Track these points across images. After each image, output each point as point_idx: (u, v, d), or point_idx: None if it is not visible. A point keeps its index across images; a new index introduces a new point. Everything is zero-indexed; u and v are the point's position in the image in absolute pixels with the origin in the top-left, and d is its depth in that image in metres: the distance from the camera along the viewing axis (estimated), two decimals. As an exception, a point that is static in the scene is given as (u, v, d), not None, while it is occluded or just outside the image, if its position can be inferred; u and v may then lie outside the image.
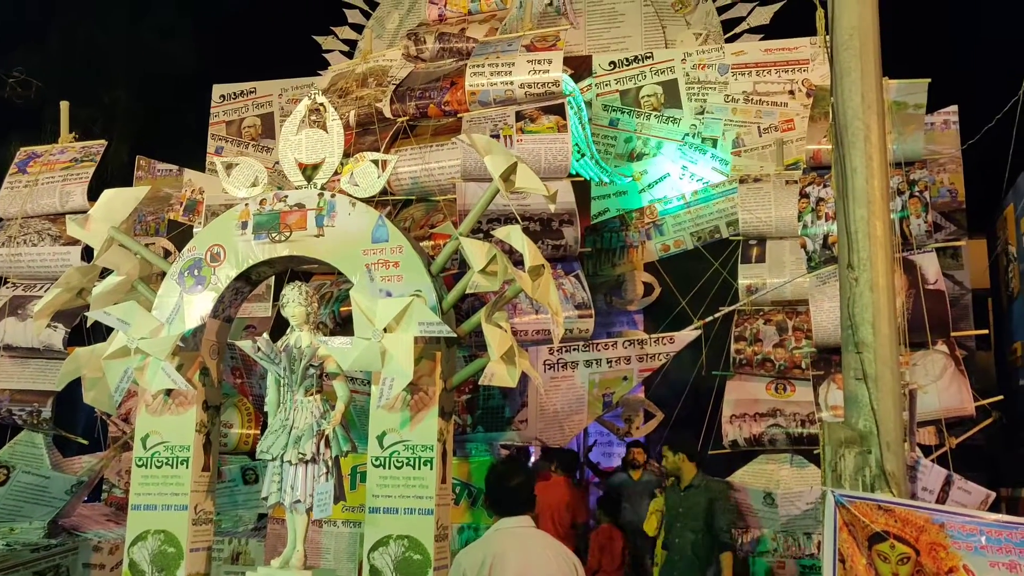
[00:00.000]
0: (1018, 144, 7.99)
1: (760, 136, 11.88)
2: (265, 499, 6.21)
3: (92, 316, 6.78)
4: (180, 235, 11.78)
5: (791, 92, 11.90)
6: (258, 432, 9.61)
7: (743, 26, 12.83)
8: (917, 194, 8.77)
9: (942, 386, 8.25)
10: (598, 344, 8.34)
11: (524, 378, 6.65)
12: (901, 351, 5.84)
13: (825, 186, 9.02)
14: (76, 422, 10.75)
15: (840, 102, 5.72)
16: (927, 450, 8.07)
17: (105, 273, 7.17)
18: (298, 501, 6.07)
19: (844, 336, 5.57)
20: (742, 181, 10.22)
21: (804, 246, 9.20)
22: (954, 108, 11.19)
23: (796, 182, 9.58)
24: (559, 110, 9.14)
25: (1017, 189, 9.96)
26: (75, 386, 7.06)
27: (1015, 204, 10.15)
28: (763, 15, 12.72)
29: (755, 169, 11.21)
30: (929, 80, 9.21)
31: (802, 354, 9.25)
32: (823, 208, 8.99)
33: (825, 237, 8.96)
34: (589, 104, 11.91)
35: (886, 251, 5.56)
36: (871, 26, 5.80)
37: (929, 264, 8.73)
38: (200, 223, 11.16)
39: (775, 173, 10.23)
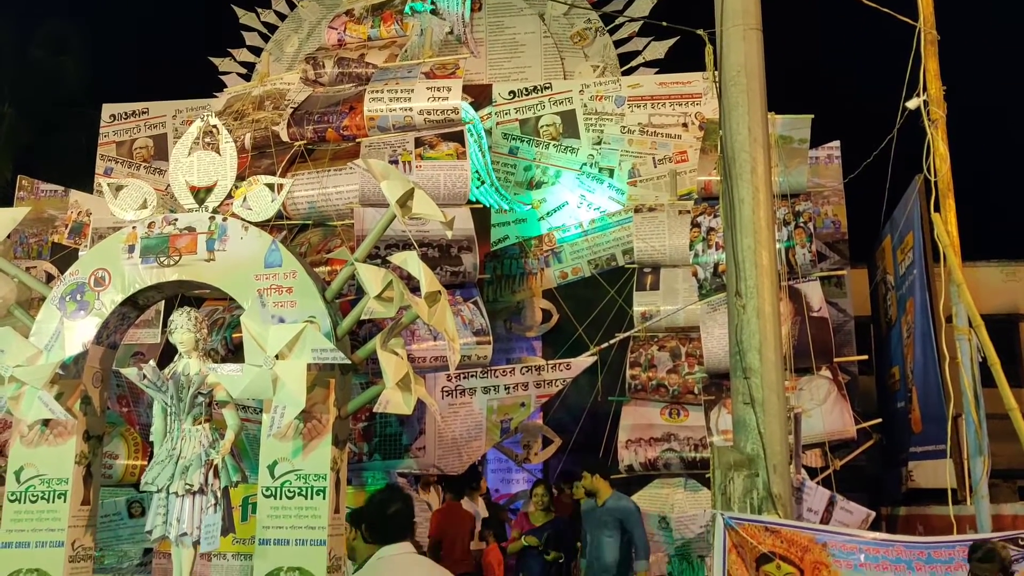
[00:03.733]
0: (894, 178, 8.42)
1: (655, 167, 12.19)
2: (150, 533, 6.00)
3: (-37, 343, 6.44)
4: (64, 258, 11.33)
5: (684, 124, 12.25)
6: (145, 463, 9.24)
7: (639, 60, 13.15)
8: (802, 225, 9.13)
9: (826, 410, 8.57)
10: (496, 370, 8.35)
11: (422, 405, 6.62)
12: (787, 376, 6.04)
13: (715, 216, 9.30)
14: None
15: (728, 136, 5.92)
16: (813, 472, 8.35)
17: (-22, 298, 6.83)
18: (184, 534, 5.88)
19: (732, 362, 5.73)
20: (637, 210, 10.44)
21: (696, 274, 9.46)
22: (836, 143, 11.72)
23: (689, 212, 9.86)
24: (459, 137, 9.17)
25: (893, 221, 10.45)
26: (-56, 417, 6.69)
27: (891, 235, 10.65)
28: (658, 49, 13.05)
29: (650, 199, 11.49)
30: (812, 116, 9.64)
31: (695, 379, 9.46)
32: (713, 238, 9.27)
33: (715, 266, 9.23)
34: (489, 132, 12.00)
35: (772, 280, 5.75)
36: (757, 64, 6.04)
37: (813, 292, 9.09)
38: (86, 246, 10.77)
39: (669, 203, 10.49)
